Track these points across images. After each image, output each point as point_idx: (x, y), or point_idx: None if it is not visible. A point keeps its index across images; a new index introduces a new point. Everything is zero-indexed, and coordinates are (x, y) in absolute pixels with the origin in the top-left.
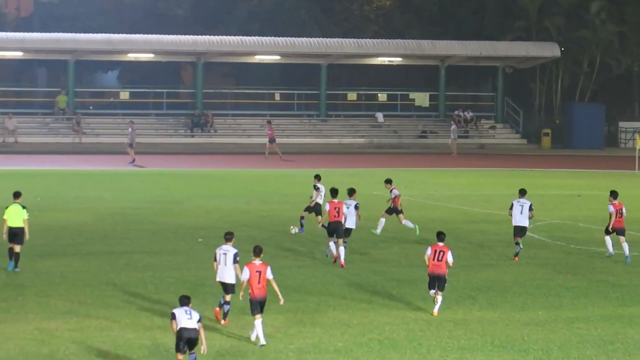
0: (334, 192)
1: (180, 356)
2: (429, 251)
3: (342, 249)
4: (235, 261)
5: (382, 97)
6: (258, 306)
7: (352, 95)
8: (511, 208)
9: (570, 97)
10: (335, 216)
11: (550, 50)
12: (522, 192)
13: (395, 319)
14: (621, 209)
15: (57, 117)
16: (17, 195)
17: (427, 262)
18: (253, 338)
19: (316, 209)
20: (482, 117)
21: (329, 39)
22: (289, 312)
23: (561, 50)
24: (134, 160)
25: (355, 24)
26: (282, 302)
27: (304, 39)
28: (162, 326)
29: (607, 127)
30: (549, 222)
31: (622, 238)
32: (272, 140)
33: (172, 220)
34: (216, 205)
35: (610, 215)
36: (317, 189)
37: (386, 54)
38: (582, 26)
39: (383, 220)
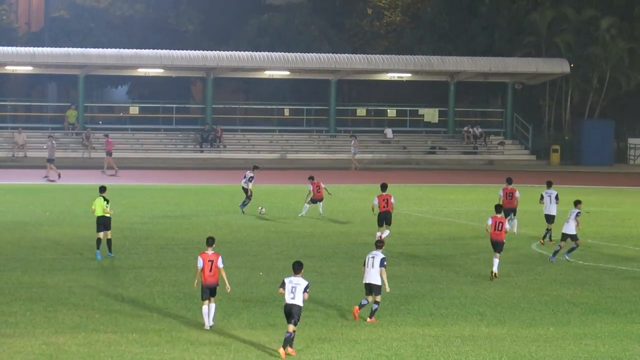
0: (383, 187)
1: (290, 327)
2: (489, 222)
3: (387, 232)
4: (382, 265)
5: (392, 112)
6: (208, 292)
7: (361, 111)
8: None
9: (580, 113)
10: (384, 207)
11: (559, 66)
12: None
13: (403, 335)
14: (512, 193)
15: (67, 131)
16: (102, 189)
17: (488, 231)
18: (211, 323)
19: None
20: (491, 133)
21: (339, 54)
22: (297, 328)
23: (571, 66)
24: (48, 176)
25: (365, 40)
26: (229, 289)
27: (314, 55)
28: (170, 341)
29: (616, 143)
30: (557, 238)
31: (512, 215)
32: (109, 154)
33: (180, 235)
34: (225, 220)
35: (499, 198)
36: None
37: (396, 69)
38: (591, 42)
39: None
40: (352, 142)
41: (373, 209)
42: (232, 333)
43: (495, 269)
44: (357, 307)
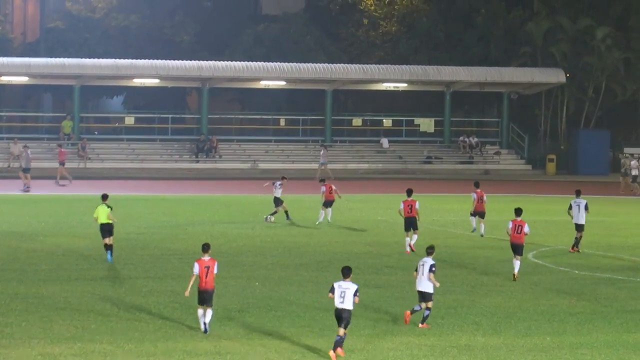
0: (409, 192)
1: (340, 331)
2: (510, 225)
3: (415, 237)
4: (430, 270)
5: (387, 122)
6: (204, 297)
7: (357, 121)
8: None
9: (576, 123)
10: (409, 212)
11: (555, 76)
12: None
13: (399, 344)
14: (482, 197)
15: (63, 142)
16: (105, 197)
17: (509, 234)
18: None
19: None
20: (487, 143)
21: (335, 64)
22: (293, 337)
23: (566, 76)
24: (27, 186)
25: (361, 50)
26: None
27: (310, 65)
28: (166, 352)
29: (612, 153)
30: (553, 247)
31: (481, 220)
32: (62, 163)
33: (176, 245)
34: (221, 230)
35: (473, 201)
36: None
37: (391, 79)
38: (587, 52)
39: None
40: (322, 152)
41: (400, 214)
42: (228, 343)
43: (516, 271)
44: (408, 311)
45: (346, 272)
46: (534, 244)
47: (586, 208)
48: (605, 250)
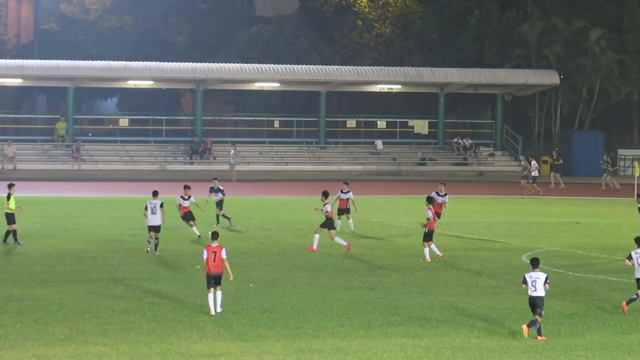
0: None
1: (537, 318)
2: (430, 214)
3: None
4: (630, 257)
5: (382, 124)
6: (212, 281)
7: (351, 123)
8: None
9: (570, 124)
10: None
11: (549, 77)
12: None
13: (393, 346)
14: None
15: (57, 144)
16: (10, 186)
17: (428, 222)
18: (218, 310)
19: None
20: (481, 145)
21: (329, 66)
22: (287, 338)
23: (560, 77)
24: None
25: (355, 52)
26: (231, 278)
27: (304, 67)
28: (160, 353)
29: (606, 154)
30: (547, 249)
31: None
32: None
33: (170, 247)
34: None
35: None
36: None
37: (385, 81)
38: (581, 54)
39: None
40: (232, 152)
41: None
42: (222, 344)
43: (439, 252)
44: (624, 302)
45: (535, 263)
46: (528, 247)
47: None
48: (600, 251)
